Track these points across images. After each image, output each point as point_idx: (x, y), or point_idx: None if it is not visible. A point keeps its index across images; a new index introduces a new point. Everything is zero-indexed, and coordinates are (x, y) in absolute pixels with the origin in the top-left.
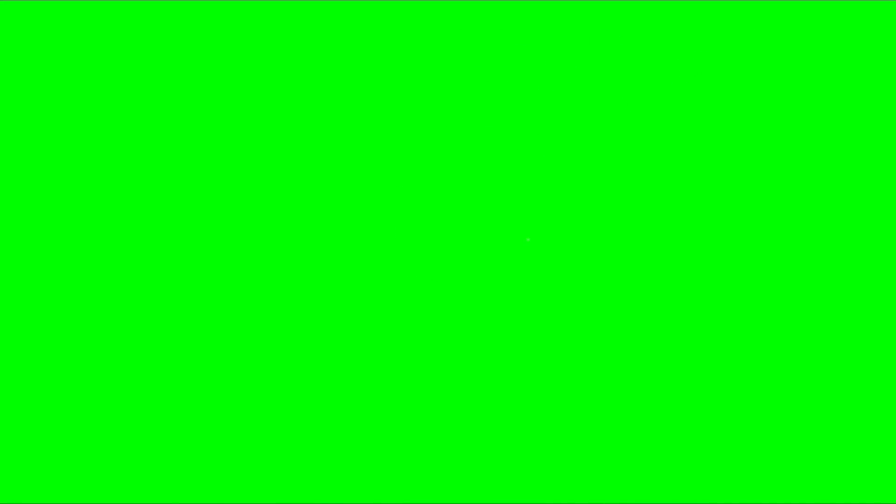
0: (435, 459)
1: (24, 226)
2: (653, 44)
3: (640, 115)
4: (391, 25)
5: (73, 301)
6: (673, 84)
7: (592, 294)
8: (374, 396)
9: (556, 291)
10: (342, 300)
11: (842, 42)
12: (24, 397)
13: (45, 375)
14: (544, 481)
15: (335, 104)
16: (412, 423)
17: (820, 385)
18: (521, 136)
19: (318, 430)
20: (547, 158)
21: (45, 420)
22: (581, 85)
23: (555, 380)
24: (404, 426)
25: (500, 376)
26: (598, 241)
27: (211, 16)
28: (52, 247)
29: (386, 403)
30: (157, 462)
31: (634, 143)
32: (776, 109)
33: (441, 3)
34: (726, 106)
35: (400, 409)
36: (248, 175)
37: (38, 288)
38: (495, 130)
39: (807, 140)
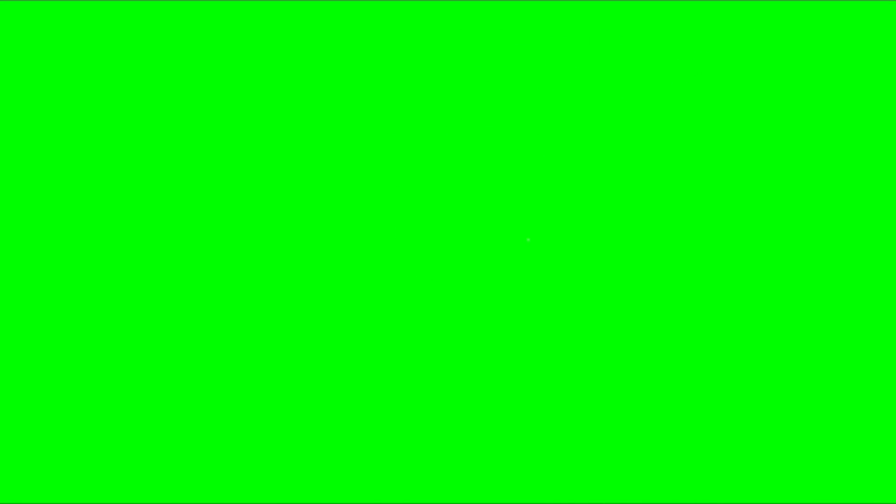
0: (434, 459)
1: (23, 225)
2: (653, 44)
3: (639, 115)
4: (392, 25)
5: (72, 300)
6: (673, 84)
7: (592, 294)
8: (373, 396)
9: (555, 291)
10: (342, 300)
11: (842, 42)
12: (12, 399)
13: (38, 375)
14: (544, 481)
15: (335, 105)
16: (411, 423)
17: (819, 385)
18: (521, 137)
19: (317, 430)
20: (547, 159)
21: (41, 420)
22: (581, 85)
23: (554, 379)
24: (403, 426)
25: (499, 375)
26: (597, 242)
27: (211, 16)
28: (46, 245)
29: (386, 403)
30: (156, 462)
31: (634, 144)
32: (776, 110)
33: (441, 3)
34: (726, 106)
35: (399, 409)
36: (248, 175)
37: (28, 286)
38: (495, 131)
39: (806, 140)
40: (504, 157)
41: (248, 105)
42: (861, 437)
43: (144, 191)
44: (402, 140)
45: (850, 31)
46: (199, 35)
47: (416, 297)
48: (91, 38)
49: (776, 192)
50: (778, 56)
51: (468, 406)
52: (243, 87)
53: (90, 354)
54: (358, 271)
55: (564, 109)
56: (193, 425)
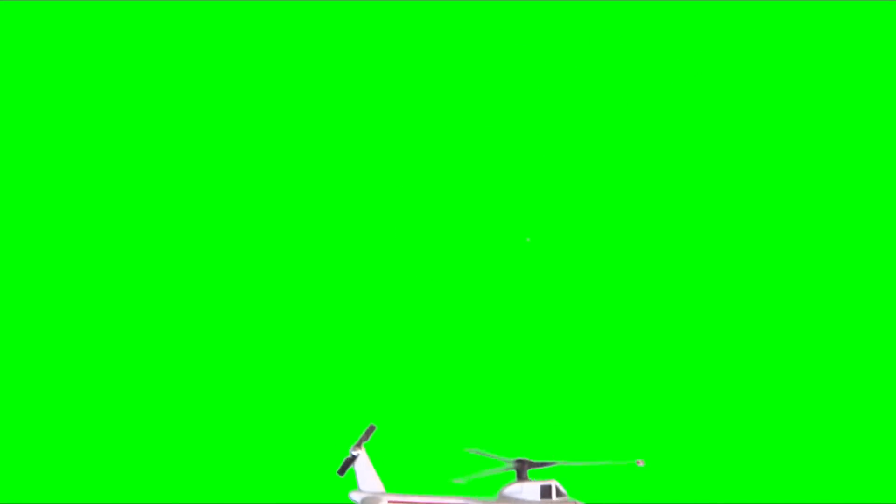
0: (433, 458)
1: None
2: (653, 44)
3: (639, 116)
4: (392, 26)
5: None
6: (673, 84)
7: (592, 294)
8: (373, 395)
9: (555, 292)
10: (342, 299)
11: (842, 42)
12: None
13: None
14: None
15: (335, 105)
16: (411, 420)
17: (818, 386)
18: (522, 137)
19: (317, 430)
20: (547, 159)
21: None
22: (581, 86)
23: (554, 379)
24: (403, 423)
25: (499, 374)
26: (597, 242)
27: (211, 16)
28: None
29: (385, 401)
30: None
31: (634, 145)
32: (776, 112)
33: (441, 3)
34: (726, 107)
35: (399, 407)
36: (248, 176)
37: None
38: (496, 132)
39: (806, 141)
40: (504, 157)
41: (248, 105)
42: (861, 438)
43: (142, 190)
44: (402, 141)
45: (851, 31)
46: (199, 35)
47: (416, 294)
48: (91, 37)
49: (776, 194)
50: (778, 57)
51: (468, 404)
52: (243, 88)
53: (91, 354)
54: (357, 271)
55: (564, 110)
56: (191, 426)
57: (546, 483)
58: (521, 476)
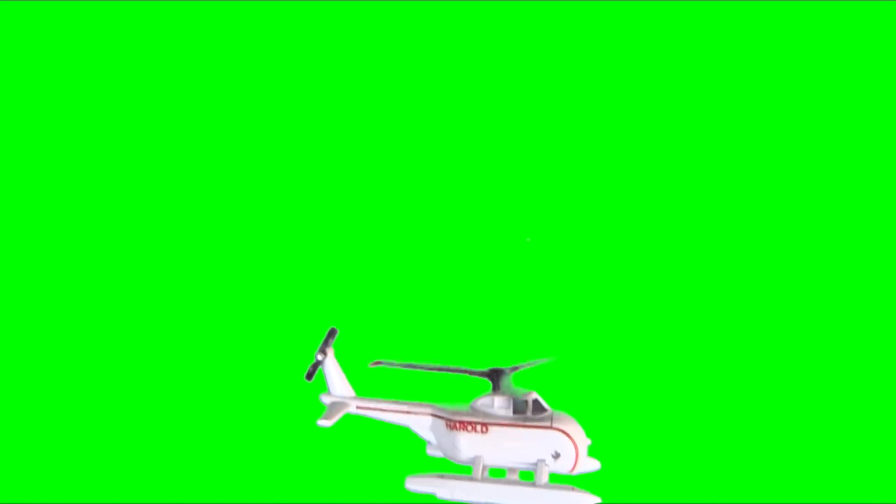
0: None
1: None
2: (653, 45)
3: (639, 117)
4: (393, 27)
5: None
6: (673, 85)
7: (591, 294)
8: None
9: (555, 291)
10: (342, 297)
11: (842, 42)
12: None
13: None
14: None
15: (335, 106)
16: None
17: (817, 388)
18: (521, 138)
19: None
20: (547, 160)
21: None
22: (581, 88)
23: (553, 378)
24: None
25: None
26: (597, 243)
27: (211, 16)
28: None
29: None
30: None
31: (634, 146)
32: (776, 114)
33: (442, 4)
34: (725, 108)
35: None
36: (247, 177)
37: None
38: (496, 132)
39: (805, 143)
40: (504, 158)
41: (248, 107)
42: (861, 440)
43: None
44: (402, 142)
45: (851, 31)
46: (199, 35)
47: (417, 293)
48: (90, 38)
49: (776, 197)
50: (778, 58)
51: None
52: (242, 89)
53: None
54: (356, 271)
55: (564, 111)
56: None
57: (522, 397)
58: (496, 386)
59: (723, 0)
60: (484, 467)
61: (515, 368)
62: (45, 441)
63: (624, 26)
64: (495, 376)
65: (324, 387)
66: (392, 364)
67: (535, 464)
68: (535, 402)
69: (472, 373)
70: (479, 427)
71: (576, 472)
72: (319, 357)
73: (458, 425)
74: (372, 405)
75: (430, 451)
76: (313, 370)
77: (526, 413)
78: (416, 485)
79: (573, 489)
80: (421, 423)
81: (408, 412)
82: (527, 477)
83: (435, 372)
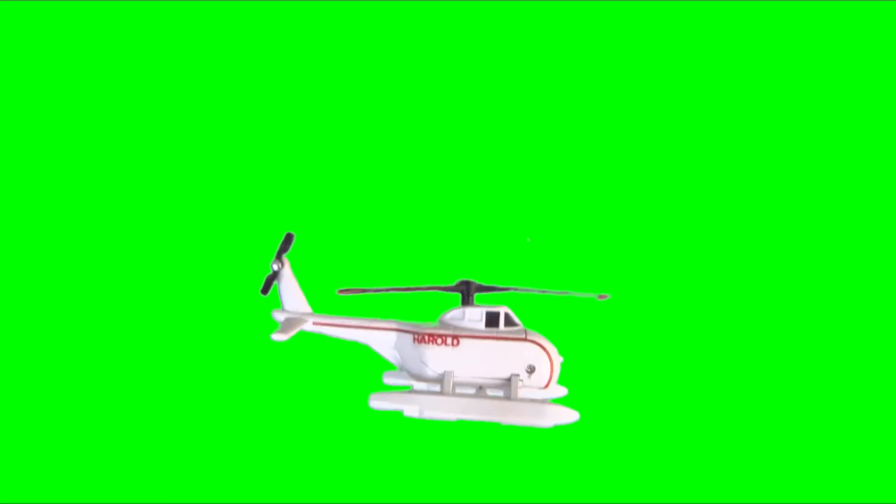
0: (434, 459)
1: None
2: (653, 45)
3: (638, 118)
4: (393, 27)
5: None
6: (672, 86)
7: (591, 293)
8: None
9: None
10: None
11: (842, 42)
12: None
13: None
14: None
15: (335, 107)
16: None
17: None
18: (522, 138)
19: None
20: (547, 161)
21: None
22: (581, 90)
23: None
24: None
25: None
26: (597, 243)
27: (211, 16)
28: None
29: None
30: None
31: (634, 147)
32: (775, 112)
33: (443, 3)
34: (725, 109)
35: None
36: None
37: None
38: (496, 132)
39: (805, 142)
40: (504, 159)
41: (248, 107)
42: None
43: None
44: (403, 142)
45: (851, 31)
46: (199, 35)
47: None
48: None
49: (776, 199)
50: (778, 59)
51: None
52: (243, 90)
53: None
54: (357, 269)
55: (564, 112)
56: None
57: (493, 309)
58: (465, 300)
59: (723, 0)
60: (454, 385)
61: (483, 288)
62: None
63: (624, 26)
64: (465, 288)
65: (279, 302)
66: (359, 291)
67: (509, 378)
68: (507, 315)
69: (440, 289)
70: (449, 340)
71: (548, 390)
72: (276, 267)
73: (426, 338)
74: (330, 321)
75: (387, 380)
76: (269, 282)
77: (497, 326)
78: (381, 402)
79: (551, 403)
80: (384, 339)
81: (370, 327)
82: None
83: (403, 293)
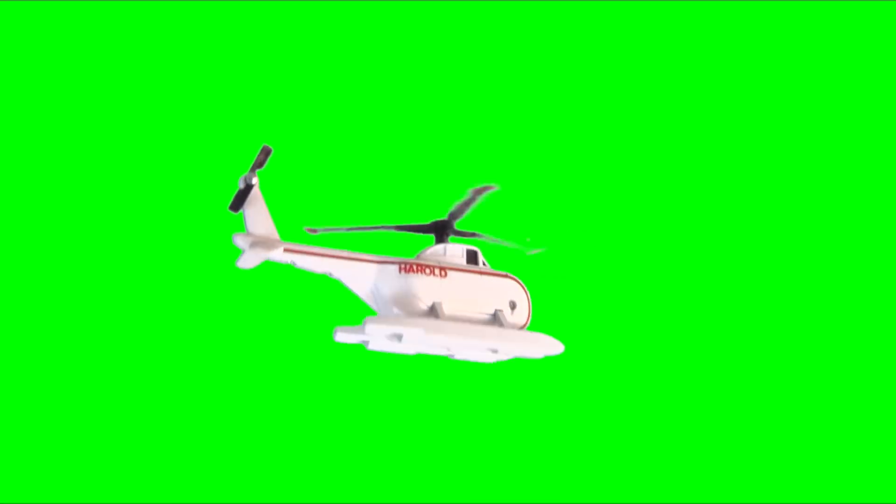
0: (434, 459)
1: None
2: (653, 46)
3: (638, 120)
4: (394, 28)
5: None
6: (672, 88)
7: (591, 293)
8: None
9: (555, 290)
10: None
11: (842, 42)
12: None
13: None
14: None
15: (335, 107)
16: (412, 419)
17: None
18: (522, 139)
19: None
20: (547, 162)
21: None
22: (580, 91)
23: (553, 378)
24: (403, 421)
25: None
26: (597, 243)
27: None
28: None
29: (384, 397)
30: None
31: (634, 148)
32: (775, 112)
33: (443, 4)
34: (725, 111)
35: (399, 404)
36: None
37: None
38: (496, 133)
39: (805, 142)
40: (505, 160)
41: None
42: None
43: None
44: (403, 142)
45: (851, 32)
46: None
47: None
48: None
49: (776, 202)
50: (778, 60)
51: (467, 402)
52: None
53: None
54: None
55: (564, 113)
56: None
57: (472, 248)
58: (440, 239)
59: (722, 0)
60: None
61: (456, 215)
62: None
63: (624, 26)
64: (440, 228)
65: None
66: (328, 230)
67: (493, 314)
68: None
69: (415, 228)
70: (437, 270)
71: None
72: (252, 181)
73: (414, 268)
74: (304, 248)
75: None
76: (241, 199)
77: (477, 264)
78: (377, 325)
79: (541, 334)
80: (362, 271)
81: (349, 258)
82: None
83: (375, 231)
